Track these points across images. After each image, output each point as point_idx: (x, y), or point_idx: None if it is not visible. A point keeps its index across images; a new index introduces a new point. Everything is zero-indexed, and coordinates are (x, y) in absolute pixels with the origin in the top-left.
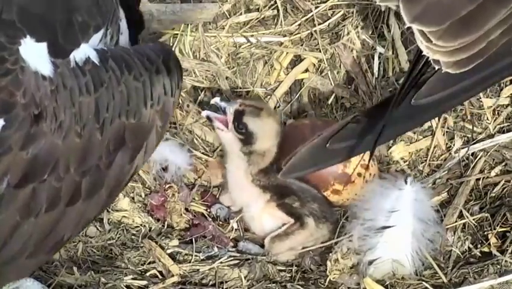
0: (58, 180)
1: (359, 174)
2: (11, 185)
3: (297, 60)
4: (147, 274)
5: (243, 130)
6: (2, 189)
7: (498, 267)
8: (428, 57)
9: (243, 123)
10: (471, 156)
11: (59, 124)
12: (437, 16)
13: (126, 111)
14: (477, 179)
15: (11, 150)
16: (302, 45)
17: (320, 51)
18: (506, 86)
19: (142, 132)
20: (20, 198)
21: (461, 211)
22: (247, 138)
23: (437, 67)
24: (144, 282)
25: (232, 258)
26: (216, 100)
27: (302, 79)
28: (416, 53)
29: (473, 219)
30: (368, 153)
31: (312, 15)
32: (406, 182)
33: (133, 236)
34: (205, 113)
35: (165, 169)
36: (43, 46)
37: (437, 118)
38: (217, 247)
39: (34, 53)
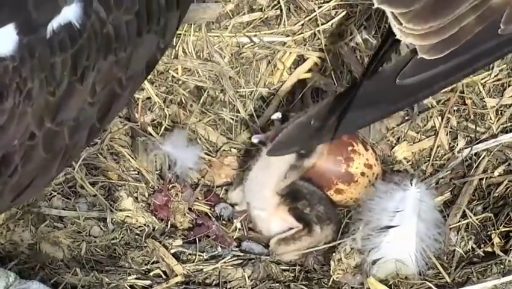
0: (31, 139)
1: (362, 174)
2: None
3: (300, 60)
4: (151, 274)
5: None
6: None
7: (501, 266)
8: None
9: None
10: (474, 156)
11: (26, 93)
12: None
13: (114, 49)
14: (481, 179)
15: None
16: (305, 45)
17: (323, 51)
18: (509, 86)
19: (136, 61)
20: None
21: (464, 211)
22: (307, 152)
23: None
24: (147, 282)
25: (235, 258)
26: (278, 115)
27: (305, 79)
28: (386, 33)
29: (477, 219)
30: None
31: (316, 15)
32: (411, 183)
33: (136, 236)
34: (256, 140)
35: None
36: (8, 28)
37: (440, 118)
38: (221, 246)
39: None
